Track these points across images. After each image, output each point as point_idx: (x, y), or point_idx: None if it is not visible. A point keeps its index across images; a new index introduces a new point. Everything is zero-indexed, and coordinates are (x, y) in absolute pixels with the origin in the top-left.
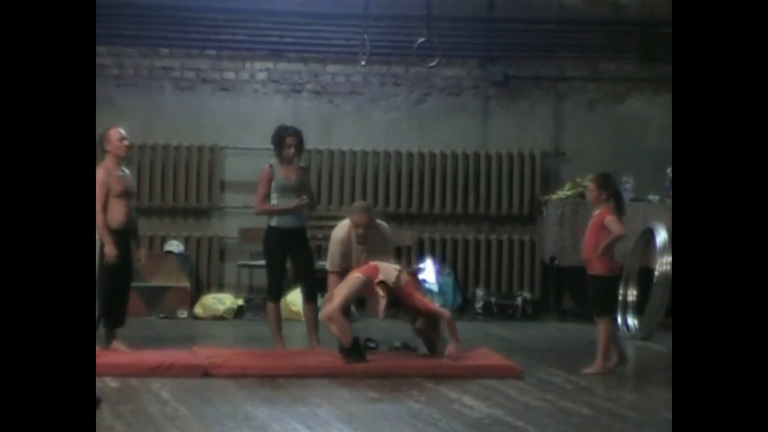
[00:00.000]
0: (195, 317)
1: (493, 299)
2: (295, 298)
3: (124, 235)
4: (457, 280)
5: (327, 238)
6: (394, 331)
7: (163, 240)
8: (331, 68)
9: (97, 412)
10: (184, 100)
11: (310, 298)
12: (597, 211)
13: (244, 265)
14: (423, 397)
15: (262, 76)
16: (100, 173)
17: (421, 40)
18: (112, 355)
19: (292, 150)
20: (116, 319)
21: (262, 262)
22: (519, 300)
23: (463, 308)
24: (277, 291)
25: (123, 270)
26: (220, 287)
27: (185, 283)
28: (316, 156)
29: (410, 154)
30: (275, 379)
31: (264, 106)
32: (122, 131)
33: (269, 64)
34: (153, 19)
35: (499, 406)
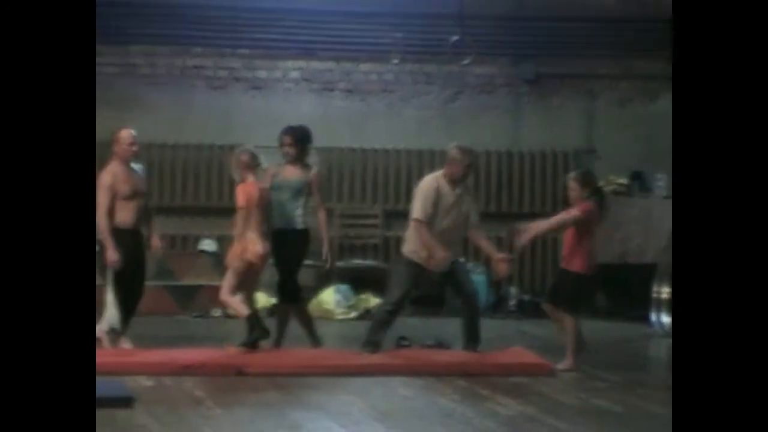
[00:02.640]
0: (228, 316)
1: (526, 297)
2: (327, 296)
3: (135, 235)
4: (490, 278)
5: (360, 236)
6: (428, 329)
7: (196, 239)
8: (363, 67)
9: (130, 411)
10: (216, 99)
11: (291, 300)
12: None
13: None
14: (456, 395)
15: (294, 74)
16: (105, 177)
17: (455, 38)
18: (145, 353)
19: (286, 149)
20: (122, 319)
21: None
22: None
23: (497, 306)
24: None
25: (134, 269)
26: None
27: (218, 282)
28: (347, 154)
29: (442, 153)
30: (307, 377)
31: (295, 105)
32: (134, 133)
33: (301, 63)
34: (185, 18)
35: (532, 404)
